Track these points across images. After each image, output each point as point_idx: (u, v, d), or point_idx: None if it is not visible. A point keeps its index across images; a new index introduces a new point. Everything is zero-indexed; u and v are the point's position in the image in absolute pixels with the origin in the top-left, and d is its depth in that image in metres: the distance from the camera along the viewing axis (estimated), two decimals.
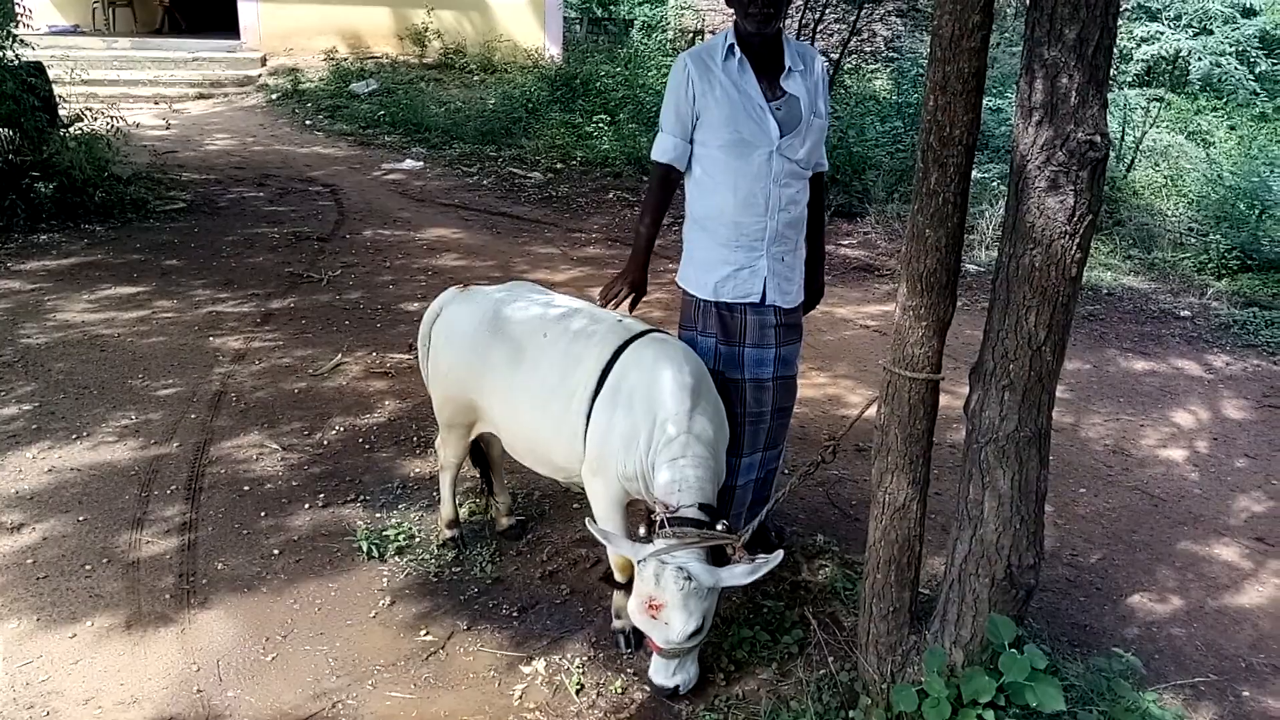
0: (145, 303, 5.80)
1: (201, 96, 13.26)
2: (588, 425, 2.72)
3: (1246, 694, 2.79)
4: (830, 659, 2.73)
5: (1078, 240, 2.10)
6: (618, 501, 2.75)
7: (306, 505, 3.65)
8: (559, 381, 2.80)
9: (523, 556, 3.38)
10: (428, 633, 2.95)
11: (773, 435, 3.12)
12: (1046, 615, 3.08)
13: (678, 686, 2.60)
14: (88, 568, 3.21)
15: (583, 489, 2.89)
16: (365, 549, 3.33)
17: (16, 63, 7.63)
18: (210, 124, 11.91)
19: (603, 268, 6.98)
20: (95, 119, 8.36)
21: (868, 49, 13.72)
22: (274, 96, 13.08)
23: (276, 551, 3.35)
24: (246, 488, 3.76)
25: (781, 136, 2.82)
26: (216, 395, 4.56)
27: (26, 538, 3.36)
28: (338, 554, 3.35)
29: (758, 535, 3.33)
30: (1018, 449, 2.26)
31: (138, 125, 9.87)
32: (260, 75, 13.78)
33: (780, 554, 2.47)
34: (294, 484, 3.81)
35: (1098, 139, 2.03)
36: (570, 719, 2.63)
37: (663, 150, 2.93)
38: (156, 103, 12.72)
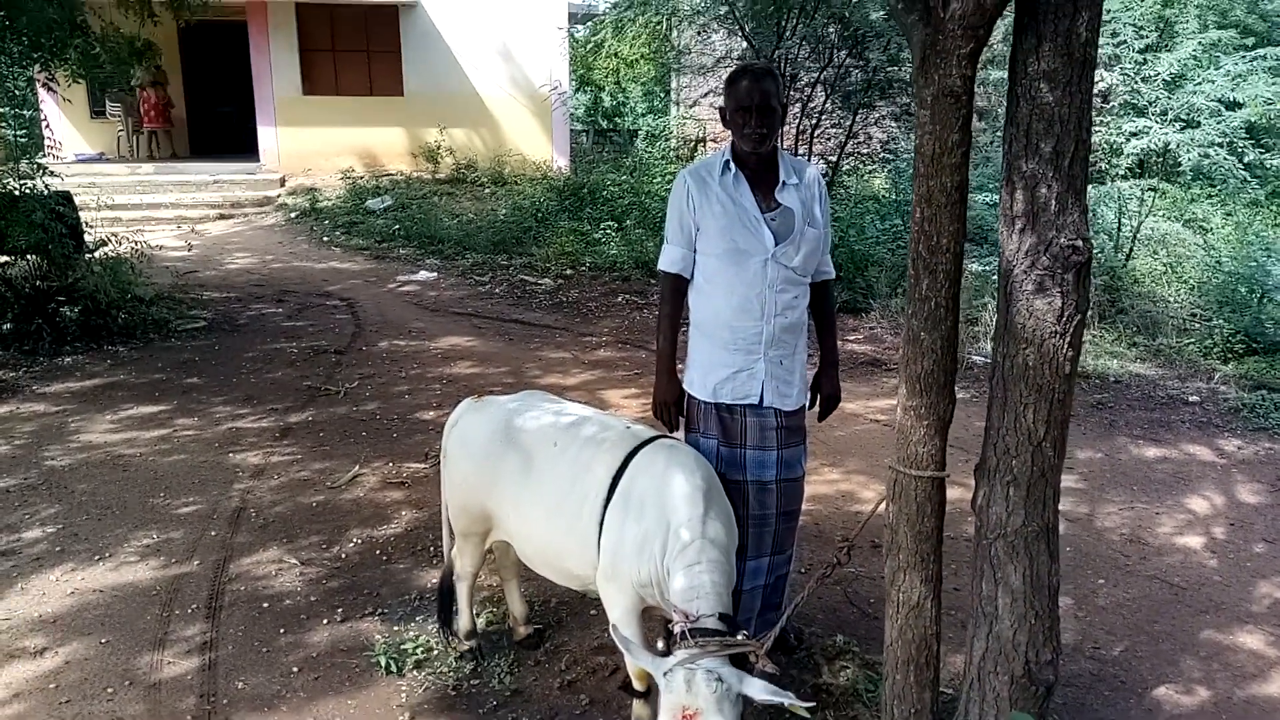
0: (166, 421, 5.92)
1: (222, 217, 13.71)
2: (600, 532, 2.76)
3: None
4: None
5: (1068, 339, 2.19)
6: (633, 608, 2.77)
7: (325, 620, 3.67)
8: (570, 489, 2.86)
9: (541, 666, 3.37)
10: None
11: (779, 540, 3.15)
12: (1072, 711, 3.04)
13: None
14: (110, 690, 3.23)
15: (598, 596, 2.92)
16: (383, 664, 3.34)
17: (46, 192, 7.96)
18: (230, 243, 12.29)
19: (614, 370, 7.09)
20: (119, 243, 8.67)
21: (864, 150, 14.10)
22: (292, 215, 13.52)
23: (296, 669, 3.36)
24: (265, 604, 3.79)
25: (776, 245, 2.95)
26: (236, 511, 4.62)
27: (49, 662, 3.39)
28: (356, 669, 3.35)
29: (777, 639, 3.34)
30: (1026, 544, 2.30)
31: (160, 247, 10.24)
32: (279, 195, 14.26)
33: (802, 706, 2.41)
34: (312, 599, 3.83)
35: (1080, 244, 2.14)
36: None
37: (670, 261, 3.06)
38: (179, 224, 13.16)
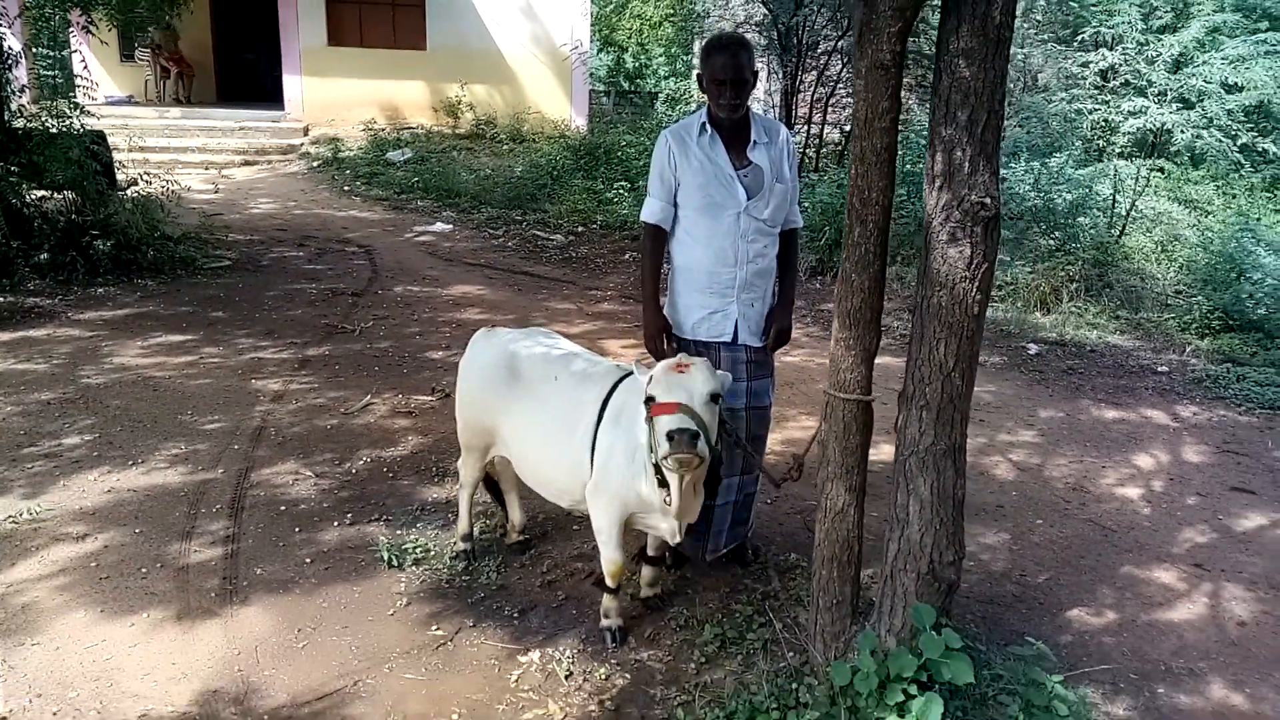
0: (193, 349, 6.35)
1: (247, 163, 14.09)
2: (593, 450, 3.15)
3: (1161, 691, 3.13)
4: (789, 652, 3.11)
5: (977, 284, 2.54)
6: (617, 517, 3.15)
7: (335, 523, 4.10)
8: (564, 415, 3.25)
9: (525, 568, 3.79)
10: (438, 628, 3.36)
11: (747, 461, 3.54)
12: (989, 623, 3.43)
13: (694, 433, 2.64)
14: (143, 571, 3.66)
15: (583, 513, 3.32)
16: (386, 559, 3.76)
17: (81, 130, 8.35)
18: (255, 189, 12.68)
19: (614, 322, 7.47)
20: (149, 183, 9.07)
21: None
22: (315, 164, 13.88)
23: (308, 560, 3.79)
24: (283, 508, 4.22)
25: (748, 199, 3.31)
26: (257, 430, 5.05)
27: (89, 545, 3.82)
28: (362, 563, 3.77)
29: (737, 552, 3.75)
30: (935, 460, 2.67)
31: (188, 189, 10.61)
32: (303, 144, 14.61)
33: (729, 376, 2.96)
34: (325, 505, 4.25)
35: (987, 200, 2.49)
36: (559, 698, 3.01)
37: (651, 212, 3.43)
38: (206, 168, 13.55)
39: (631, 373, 3.22)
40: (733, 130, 3.34)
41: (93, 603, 3.43)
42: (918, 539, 2.72)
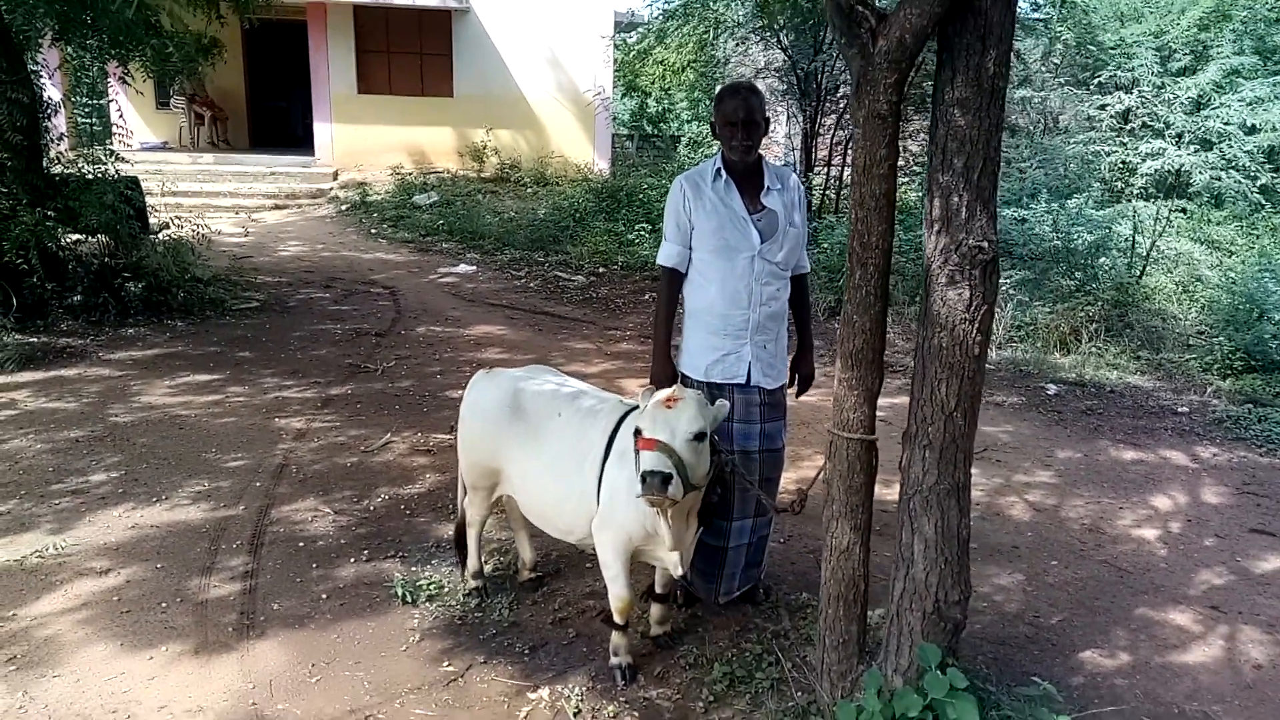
0: (219, 388, 6.48)
1: (277, 207, 14.40)
2: (599, 486, 3.20)
3: None
4: (797, 691, 3.12)
5: (976, 325, 2.59)
6: (623, 551, 3.19)
7: (352, 560, 4.16)
8: (570, 451, 3.31)
9: (537, 605, 3.82)
10: (450, 664, 3.40)
11: (760, 503, 3.57)
12: (1001, 664, 3.42)
13: (669, 475, 2.73)
14: (163, 605, 3.74)
15: (588, 549, 3.37)
16: (400, 595, 3.81)
17: (116, 176, 8.61)
18: (284, 232, 12.95)
19: (633, 361, 7.54)
20: (181, 227, 9.31)
21: (899, 164, 14.44)
22: (343, 207, 14.17)
23: (324, 596, 3.85)
24: (301, 544, 4.29)
25: (762, 243, 3.38)
26: (279, 467, 5.14)
27: (112, 580, 3.91)
28: (377, 600, 3.83)
29: (749, 592, 3.78)
30: (939, 499, 2.70)
31: (219, 232, 10.88)
32: (332, 188, 14.92)
33: (726, 405, 3.01)
34: (342, 542, 4.32)
35: (985, 245, 2.54)
36: None
37: (667, 256, 3.51)
38: (236, 212, 13.87)
39: (632, 409, 3.28)
40: (746, 175, 3.42)
41: (113, 636, 3.50)
42: (923, 578, 2.73)
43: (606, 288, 10.37)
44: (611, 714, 3.14)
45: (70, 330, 7.64)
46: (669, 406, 2.86)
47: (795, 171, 13.86)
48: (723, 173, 3.44)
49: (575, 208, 13.11)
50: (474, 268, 11.13)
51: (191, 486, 4.85)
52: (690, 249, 3.47)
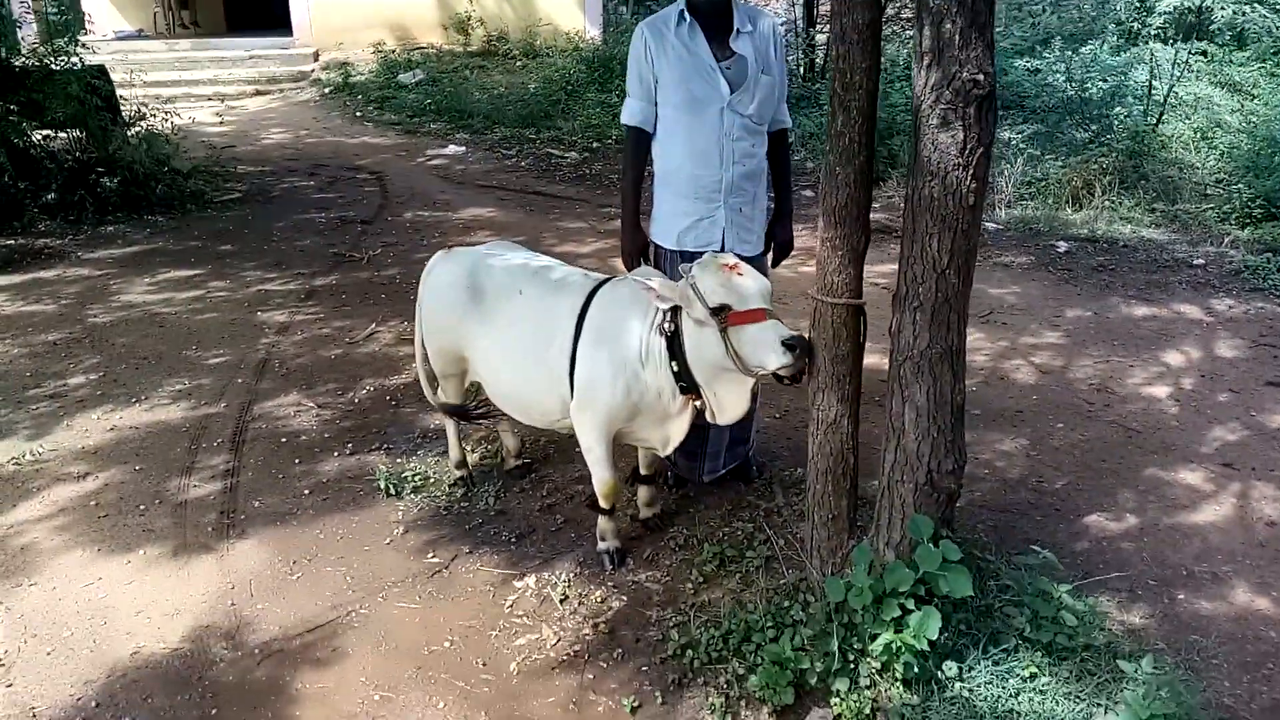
0: (201, 284, 6.28)
1: (259, 93, 13.88)
2: (573, 366, 3.00)
3: (1181, 596, 2.99)
4: (788, 569, 3.01)
5: (971, 171, 2.34)
6: (605, 432, 3.03)
7: (336, 454, 4.04)
8: (536, 331, 3.10)
9: (524, 493, 3.71)
10: (434, 555, 3.31)
11: None
12: (1001, 532, 3.30)
13: (807, 342, 2.60)
14: (142, 508, 3.64)
15: (565, 432, 3.21)
16: (384, 488, 3.70)
17: (80, 66, 8.20)
18: (266, 119, 12.50)
19: None
20: (154, 117, 8.94)
21: (906, 14, 13.70)
22: (326, 90, 13.63)
23: (307, 492, 3.74)
24: (284, 440, 4.17)
25: (731, 93, 3.08)
26: (261, 363, 4.99)
27: (90, 485, 3.81)
28: (360, 493, 3.72)
29: (740, 470, 3.63)
30: (931, 365, 2.51)
31: (193, 121, 10.48)
32: (313, 70, 14.34)
33: None
34: (326, 436, 4.20)
35: (981, 77, 2.27)
36: (553, 623, 2.96)
37: (630, 114, 3.22)
38: (219, 100, 13.38)
39: (607, 281, 3.08)
40: (713, 18, 3.10)
41: (91, 542, 3.42)
42: (914, 448, 2.57)
43: (600, 164, 9.99)
44: (599, 599, 3.05)
45: (48, 231, 7.41)
46: (739, 274, 2.64)
47: (796, 27, 13.17)
48: (687, 16, 3.12)
49: (566, 80, 12.55)
50: (463, 148, 10.73)
51: (171, 386, 4.72)
52: (656, 105, 3.19)
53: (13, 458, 3.99)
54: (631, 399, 2.90)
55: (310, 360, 5.03)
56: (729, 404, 2.77)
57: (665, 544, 3.32)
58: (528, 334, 3.13)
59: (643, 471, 3.39)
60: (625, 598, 3.06)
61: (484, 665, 2.80)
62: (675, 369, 2.75)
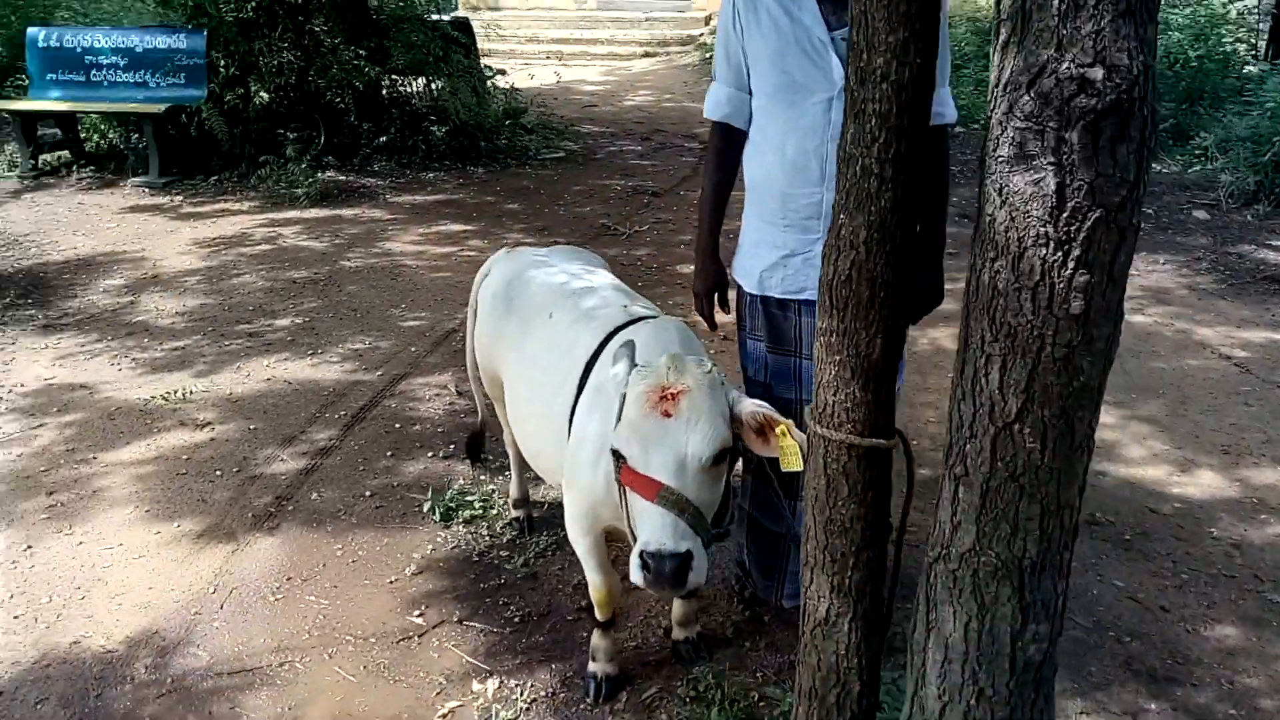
0: (461, 240, 6.23)
1: (646, 55, 14.04)
2: (571, 423, 2.26)
3: None
4: None
5: (1073, 252, 1.21)
6: (588, 524, 2.26)
7: (430, 454, 3.62)
8: (549, 371, 2.37)
9: (571, 558, 2.99)
10: (421, 614, 2.73)
11: None
12: None
13: (688, 555, 1.70)
14: (218, 473, 3.48)
15: None
16: (436, 513, 3.19)
17: (438, 19, 8.60)
18: (641, 81, 12.56)
19: None
20: (509, 73, 9.21)
21: None
22: (707, 56, 13.37)
23: (368, 494, 3.35)
24: (397, 426, 3.83)
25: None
26: (446, 334, 4.73)
27: (199, 437, 3.74)
28: (414, 508, 3.25)
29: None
30: (975, 580, 1.41)
31: (558, 78, 10.69)
32: (701, 34, 14.18)
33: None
34: (438, 431, 3.79)
35: (1099, 75, 1.13)
36: None
37: (715, 105, 2.30)
38: (612, 59, 13.78)
39: (633, 321, 2.25)
40: None
41: (148, 501, 3.31)
42: (936, 711, 1.49)
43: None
44: None
45: (379, 171, 7.86)
46: (667, 413, 1.76)
47: None
48: None
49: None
50: None
51: (353, 343, 4.61)
52: (750, 93, 2.24)
53: (165, 392, 4.07)
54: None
55: None
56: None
57: (676, 687, 2.44)
58: (542, 370, 2.41)
59: None
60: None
61: None
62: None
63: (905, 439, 1.57)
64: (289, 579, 2.89)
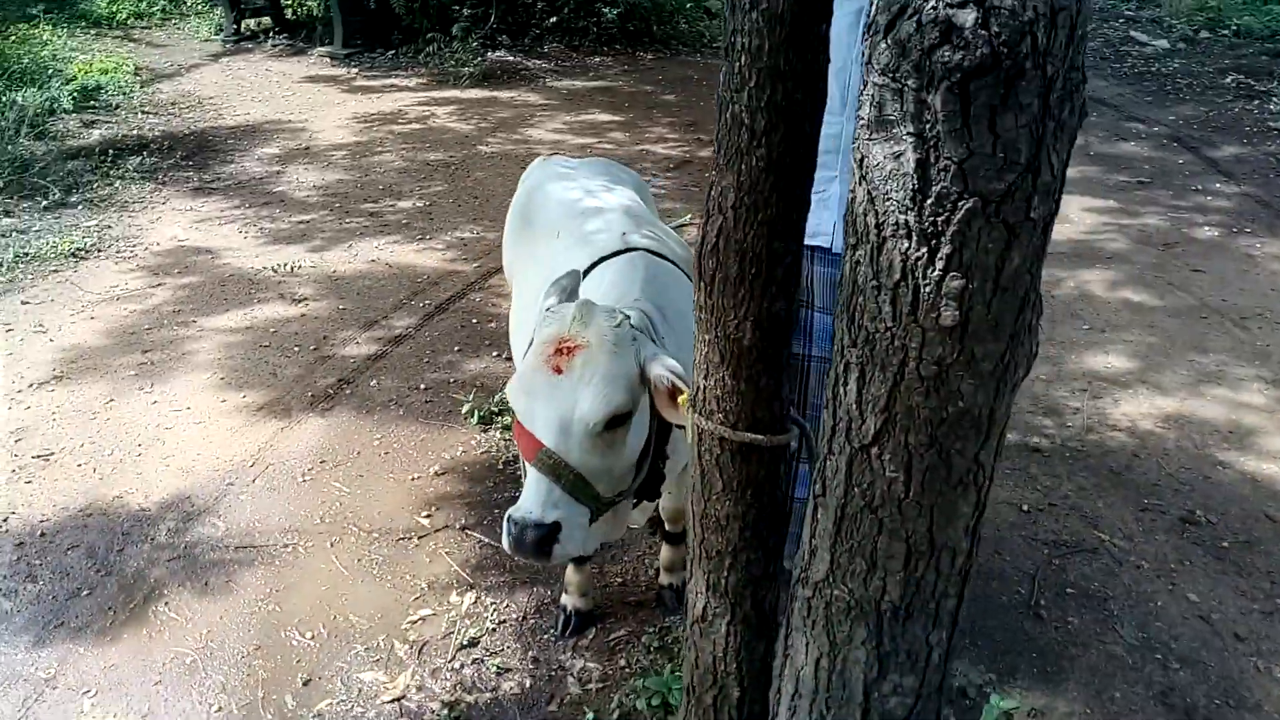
0: (603, 131, 6.08)
1: None
2: None
3: None
4: None
5: (941, 249, 0.94)
6: None
7: (495, 354, 3.60)
8: (536, 296, 2.23)
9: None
10: (428, 516, 2.74)
11: None
12: None
13: (555, 527, 1.55)
14: (296, 349, 3.61)
15: None
16: (475, 415, 3.18)
17: None
18: None
19: None
20: None
21: None
22: None
23: (423, 386, 3.39)
24: (474, 322, 3.83)
25: None
26: None
27: (291, 311, 3.88)
28: (459, 407, 3.25)
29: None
30: (828, 614, 1.20)
31: None
32: None
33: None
34: (505, 331, 3.76)
35: (971, 17, 0.84)
36: (426, 673, 2.24)
37: None
38: None
39: (623, 252, 2.07)
40: None
41: (225, 369, 3.48)
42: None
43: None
44: (495, 668, 2.24)
45: (546, 53, 7.79)
46: (558, 361, 1.57)
47: None
48: None
49: None
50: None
51: (460, 231, 4.64)
52: None
53: (276, 264, 4.24)
54: None
55: None
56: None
57: (645, 633, 2.33)
58: (533, 293, 2.27)
59: (667, 527, 2.38)
60: (528, 681, 2.21)
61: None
62: None
63: (808, 434, 1.35)
64: (322, 462, 2.98)
